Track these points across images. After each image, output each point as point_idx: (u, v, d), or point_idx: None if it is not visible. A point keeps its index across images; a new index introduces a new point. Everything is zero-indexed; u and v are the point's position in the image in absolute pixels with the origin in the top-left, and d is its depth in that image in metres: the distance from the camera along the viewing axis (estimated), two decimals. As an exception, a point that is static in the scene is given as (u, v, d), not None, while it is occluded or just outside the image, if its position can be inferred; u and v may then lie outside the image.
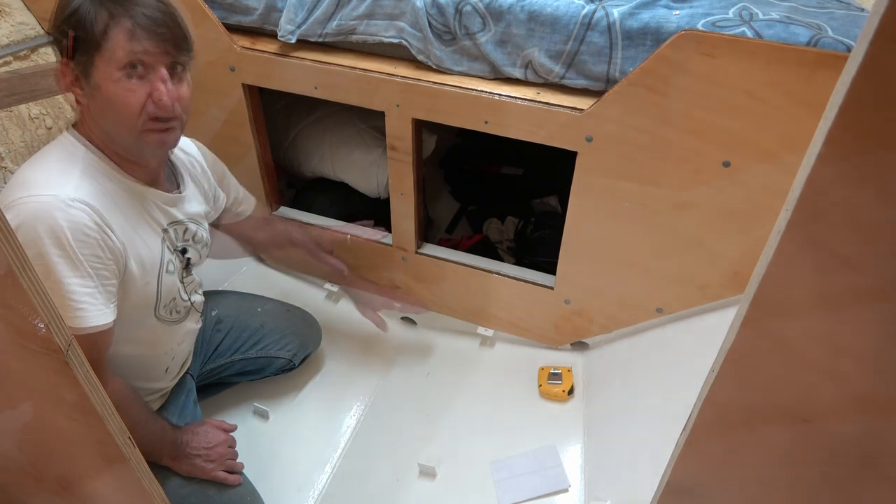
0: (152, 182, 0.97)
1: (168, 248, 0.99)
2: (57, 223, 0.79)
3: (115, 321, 0.87)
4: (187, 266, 1.06)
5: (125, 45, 0.82)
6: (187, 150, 1.11)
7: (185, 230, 1.04)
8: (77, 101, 0.89)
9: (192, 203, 1.07)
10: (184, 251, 1.04)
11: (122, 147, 0.90)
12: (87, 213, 0.83)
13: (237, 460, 1.12)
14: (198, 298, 1.12)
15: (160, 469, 1.02)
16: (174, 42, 0.86)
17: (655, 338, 1.29)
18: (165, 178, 1.02)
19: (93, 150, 0.89)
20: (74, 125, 0.92)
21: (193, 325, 1.13)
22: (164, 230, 0.99)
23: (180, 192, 1.03)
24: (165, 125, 0.89)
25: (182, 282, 1.04)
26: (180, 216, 1.03)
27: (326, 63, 1.25)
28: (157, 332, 1.02)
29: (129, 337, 0.96)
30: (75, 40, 0.82)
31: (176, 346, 1.08)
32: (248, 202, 1.28)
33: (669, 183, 1.10)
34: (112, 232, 0.86)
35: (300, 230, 1.34)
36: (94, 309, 0.83)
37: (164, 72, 0.86)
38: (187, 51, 0.89)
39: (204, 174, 1.13)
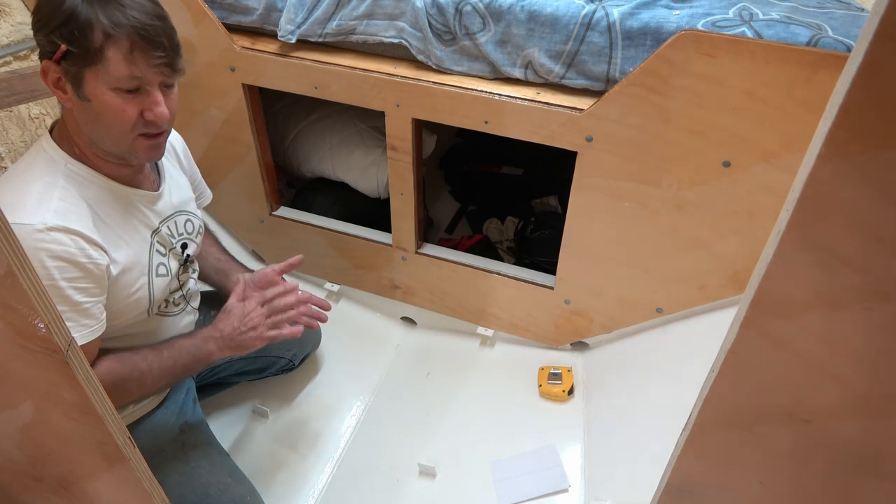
0: (137, 179, 0.97)
1: (158, 251, 0.99)
2: (36, 254, 0.79)
3: (102, 332, 0.88)
4: (185, 262, 1.06)
5: (122, 67, 0.80)
6: None
7: (176, 224, 1.04)
8: (60, 102, 0.87)
9: (176, 191, 1.06)
10: (184, 246, 1.05)
11: (107, 151, 0.90)
12: (67, 237, 0.82)
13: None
14: (193, 286, 1.11)
15: (161, 468, 1.02)
16: (171, 65, 0.85)
17: (655, 338, 1.29)
18: (150, 169, 1.01)
19: (73, 160, 0.88)
20: (54, 127, 0.91)
21: (192, 317, 1.13)
22: (155, 231, 0.99)
23: (163, 183, 1.02)
24: (155, 140, 0.89)
25: (178, 278, 1.05)
26: (169, 211, 1.02)
27: (326, 63, 1.25)
28: (156, 324, 1.03)
29: (129, 332, 0.98)
30: (66, 52, 0.79)
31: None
32: (206, 193, 1.24)
33: (669, 183, 1.10)
34: (95, 249, 0.86)
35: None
36: (75, 331, 0.83)
37: (158, 95, 0.85)
38: (181, 69, 0.88)
39: (176, 154, 1.11)
